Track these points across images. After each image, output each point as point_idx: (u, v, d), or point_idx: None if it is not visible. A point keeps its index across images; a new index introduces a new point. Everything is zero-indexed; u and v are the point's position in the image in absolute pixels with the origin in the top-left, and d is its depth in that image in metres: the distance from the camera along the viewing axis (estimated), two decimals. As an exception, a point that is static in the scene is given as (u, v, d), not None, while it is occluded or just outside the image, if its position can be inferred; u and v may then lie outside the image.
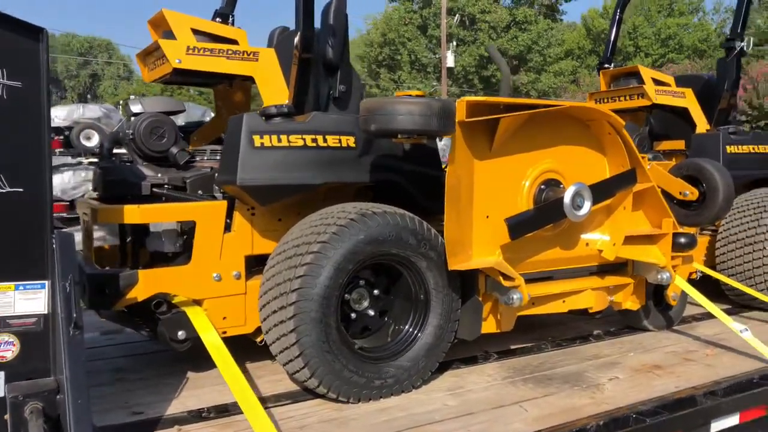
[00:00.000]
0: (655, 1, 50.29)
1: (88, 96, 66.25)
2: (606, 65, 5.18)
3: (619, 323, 3.82)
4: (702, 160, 3.57)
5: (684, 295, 3.64)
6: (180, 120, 3.73)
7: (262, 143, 2.58)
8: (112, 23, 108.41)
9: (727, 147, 4.17)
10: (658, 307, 3.70)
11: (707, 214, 3.52)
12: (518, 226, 2.74)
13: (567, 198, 2.82)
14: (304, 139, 2.65)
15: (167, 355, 3.19)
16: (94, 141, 11.17)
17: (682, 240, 3.28)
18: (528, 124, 2.87)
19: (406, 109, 2.37)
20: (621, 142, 3.06)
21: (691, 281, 4.37)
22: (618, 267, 3.35)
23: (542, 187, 2.92)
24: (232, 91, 3.40)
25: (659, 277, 3.25)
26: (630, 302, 3.44)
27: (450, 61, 31.68)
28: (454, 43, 32.57)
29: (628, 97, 4.56)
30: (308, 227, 2.58)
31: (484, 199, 2.78)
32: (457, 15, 32.94)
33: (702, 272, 4.07)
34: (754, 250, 4.03)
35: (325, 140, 2.69)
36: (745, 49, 4.43)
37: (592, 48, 50.05)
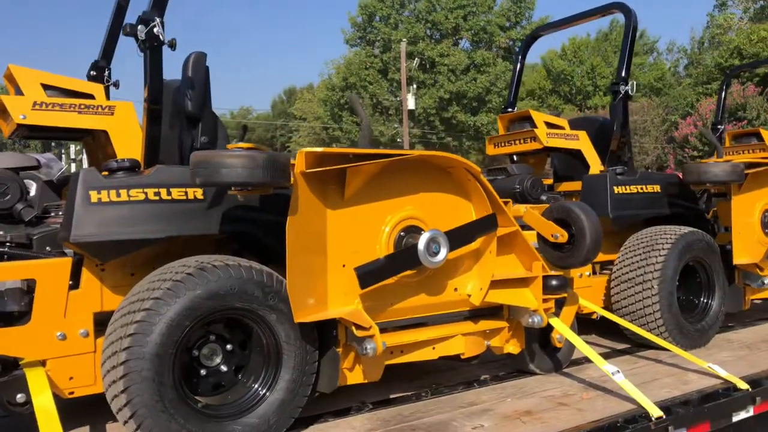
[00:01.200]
0: (611, 42, 51.96)
1: (52, 144, 65.85)
2: (509, 109, 5.30)
3: (509, 367, 3.80)
4: (570, 203, 3.62)
5: (570, 336, 3.64)
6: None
7: (99, 198, 2.55)
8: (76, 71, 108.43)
9: (615, 188, 4.25)
10: (545, 349, 3.69)
11: (577, 256, 3.55)
12: (369, 275, 2.73)
13: (421, 244, 2.82)
14: (145, 193, 2.62)
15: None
16: (32, 192, 11.00)
17: (554, 282, 3.30)
18: (385, 172, 2.88)
19: (229, 162, 2.36)
20: (481, 188, 3.08)
21: (592, 321, 4.41)
22: (493, 311, 3.34)
23: (402, 233, 2.92)
24: (102, 144, 3.37)
25: (531, 320, 3.24)
26: (511, 346, 3.42)
27: (411, 103, 32.25)
28: (414, 86, 33.17)
29: (522, 141, 4.68)
30: (147, 283, 2.53)
31: (340, 248, 2.76)
32: (416, 59, 33.63)
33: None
34: (643, 289, 4.06)
35: (169, 193, 2.66)
36: (630, 92, 4.55)
37: (552, 88, 51.40)
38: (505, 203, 3.23)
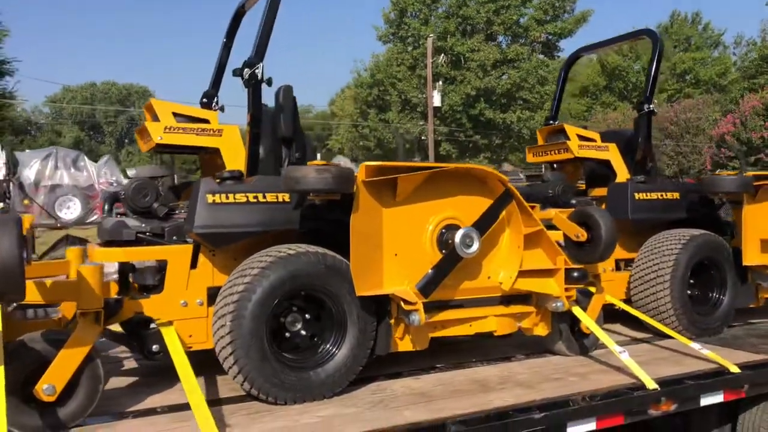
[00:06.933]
0: (671, 36, 49.22)
1: (126, 140, 69.52)
2: (551, 121, 5.55)
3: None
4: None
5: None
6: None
7: (213, 200, 3.21)
8: (149, 71, 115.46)
9: (636, 194, 4.55)
10: None
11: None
12: None
13: None
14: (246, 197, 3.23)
15: None
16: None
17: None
18: None
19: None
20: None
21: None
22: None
23: None
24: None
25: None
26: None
27: (437, 100, 31.69)
28: (441, 82, 32.62)
29: (556, 151, 5.02)
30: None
31: None
32: (442, 55, 33.09)
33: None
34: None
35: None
36: (654, 110, 4.94)
37: (606, 84, 49.17)
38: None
